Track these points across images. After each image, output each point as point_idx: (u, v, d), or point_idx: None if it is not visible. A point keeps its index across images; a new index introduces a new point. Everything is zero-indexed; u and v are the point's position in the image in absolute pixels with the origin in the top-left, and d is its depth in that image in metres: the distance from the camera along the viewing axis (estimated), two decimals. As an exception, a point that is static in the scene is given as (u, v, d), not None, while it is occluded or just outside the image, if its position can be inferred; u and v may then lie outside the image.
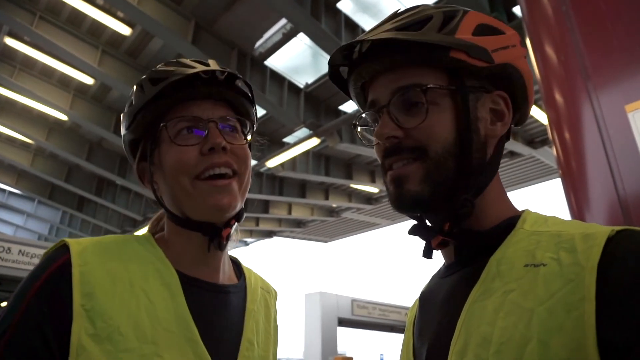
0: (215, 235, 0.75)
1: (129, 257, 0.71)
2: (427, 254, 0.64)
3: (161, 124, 0.74)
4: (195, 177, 0.72)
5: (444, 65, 0.62)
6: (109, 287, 0.65)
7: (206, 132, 0.73)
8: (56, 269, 0.63)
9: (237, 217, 0.78)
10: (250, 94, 0.82)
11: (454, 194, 0.60)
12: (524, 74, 0.65)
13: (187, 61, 0.79)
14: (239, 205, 0.76)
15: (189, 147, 0.72)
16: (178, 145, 0.73)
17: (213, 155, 0.72)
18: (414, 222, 0.67)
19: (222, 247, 0.76)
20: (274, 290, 0.95)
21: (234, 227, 0.78)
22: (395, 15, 0.66)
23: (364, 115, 0.69)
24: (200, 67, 0.75)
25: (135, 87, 0.78)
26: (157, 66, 0.79)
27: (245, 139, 0.80)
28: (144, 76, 0.77)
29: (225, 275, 0.81)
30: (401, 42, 0.61)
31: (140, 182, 0.82)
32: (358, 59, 0.66)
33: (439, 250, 0.65)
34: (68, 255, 0.65)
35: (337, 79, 0.72)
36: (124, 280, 0.67)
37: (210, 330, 0.71)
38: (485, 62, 0.61)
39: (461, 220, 0.61)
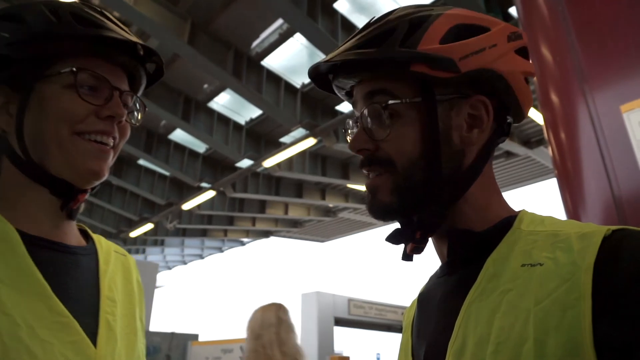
0: (69, 197, 0.70)
1: None
2: (406, 257, 0.66)
3: (71, 68, 0.68)
4: (75, 132, 0.68)
5: (409, 77, 0.62)
6: None
7: (109, 98, 0.71)
8: None
9: (93, 187, 0.75)
10: (158, 77, 0.82)
11: (423, 204, 0.62)
12: (506, 74, 0.62)
13: (111, 16, 0.75)
14: (106, 176, 0.73)
15: (86, 103, 0.69)
16: (80, 97, 0.68)
17: (107, 122, 0.70)
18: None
19: (72, 216, 0.73)
20: (131, 257, 0.92)
21: (88, 194, 0.74)
22: (366, 26, 0.66)
23: (350, 122, 0.72)
24: (125, 34, 0.73)
25: (40, 5, 0.69)
26: (80, 5, 0.73)
27: (131, 117, 0.78)
28: (60, 3, 0.71)
29: (74, 239, 0.77)
30: (360, 61, 0.62)
31: None
32: (334, 72, 0.68)
33: (418, 254, 0.67)
34: None
35: (324, 84, 0.73)
36: None
37: (65, 288, 0.67)
38: (451, 72, 0.59)
39: (431, 230, 0.63)
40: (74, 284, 0.69)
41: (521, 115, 0.68)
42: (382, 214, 0.64)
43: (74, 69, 0.68)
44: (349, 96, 0.72)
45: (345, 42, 0.66)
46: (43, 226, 0.70)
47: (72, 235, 0.76)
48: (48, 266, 0.66)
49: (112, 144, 0.73)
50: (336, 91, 0.72)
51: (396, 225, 0.67)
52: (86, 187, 0.72)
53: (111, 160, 0.74)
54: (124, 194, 14.06)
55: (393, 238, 0.66)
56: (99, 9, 0.74)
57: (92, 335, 0.66)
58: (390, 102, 0.61)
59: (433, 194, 0.61)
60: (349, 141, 0.71)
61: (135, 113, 0.78)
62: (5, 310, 0.58)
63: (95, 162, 0.69)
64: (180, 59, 8.09)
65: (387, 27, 0.62)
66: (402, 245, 0.66)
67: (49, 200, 0.70)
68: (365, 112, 0.63)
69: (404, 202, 0.62)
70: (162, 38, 7.39)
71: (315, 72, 0.69)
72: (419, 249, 0.64)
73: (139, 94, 0.81)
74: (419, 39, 0.60)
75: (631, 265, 0.45)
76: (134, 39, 0.74)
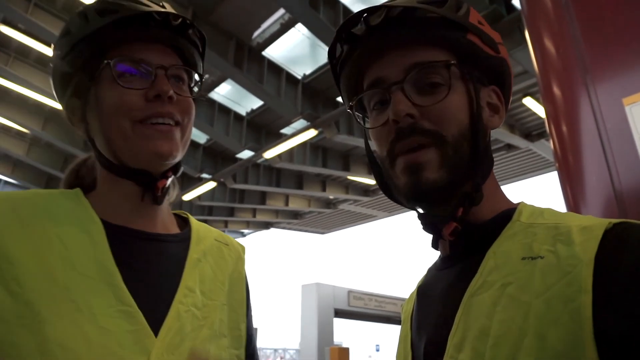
0: (149, 186, 0.72)
1: (45, 206, 0.68)
2: (436, 244, 0.65)
3: (105, 62, 0.69)
4: (136, 121, 0.69)
5: (456, 48, 0.61)
6: (17, 231, 0.63)
7: (153, 77, 0.70)
8: None
9: (175, 169, 0.75)
10: (201, 46, 0.79)
11: (467, 180, 0.60)
12: (510, 71, 0.68)
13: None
14: (179, 155, 0.73)
15: (133, 90, 0.68)
16: (122, 86, 0.68)
17: (157, 103, 0.69)
18: (412, 214, 0.66)
19: (157, 200, 0.73)
20: (239, 244, 0.90)
21: (170, 179, 0.75)
22: None
23: (362, 95, 0.66)
24: (154, 7, 0.71)
25: (76, 14, 0.71)
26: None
27: (191, 91, 0.77)
28: (90, 4, 0.71)
29: (164, 227, 0.78)
30: (421, 15, 0.60)
31: (68, 120, 0.77)
32: (366, 34, 0.62)
33: (454, 238, 0.62)
34: None
35: (332, 59, 0.69)
36: (34, 226, 0.64)
37: (141, 276, 0.68)
38: (494, 51, 0.63)
39: (473, 205, 0.60)
40: (153, 271, 0.70)
41: (506, 110, 0.70)
42: (429, 193, 0.59)
43: (107, 62, 0.69)
44: (358, 71, 0.66)
45: None
46: (128, 216, 0.72)
47: (159, 222, 0.76)
48: (126, 254, 0.68)
49: (173, 123, 0.71)
50: (350, 63, 0.66)
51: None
52: (160, 170, 0.72)
53: (180, 138, 0.72)
54: (124, 184, 14.06)
55: (430, 225, 0.63)
56: None
57: (158, 324, 0.65)
58: (453, 62, 0.60)
59: (476, 169, 0.60)
60: (359, 122, 0.68)
61: (186, 84, 0.76)
62: (71, 296, 0.60)
63: (157, 143, 0.68)
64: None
65: None
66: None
67: (134, 192, 0.72)
68: (416, 75, 0.60)
69: (452, 177, 0.58)
70: (162, 28, 7.35)
71: (352, 22, 0.63)
72: (458, 230, 0.60)
73: (201, 65, 0.79)
74: (468, 14, 0.62)
75: (632, 258, 0.45)
76: (155, 7, 0.71)
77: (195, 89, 0.78)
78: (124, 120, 0.68)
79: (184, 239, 0.78)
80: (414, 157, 0.59)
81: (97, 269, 0.64)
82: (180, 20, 0.73)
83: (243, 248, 0.91)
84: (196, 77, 0.79)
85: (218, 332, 0.73)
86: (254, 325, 0.89)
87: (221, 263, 0.81)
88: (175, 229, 0.80)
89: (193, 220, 0.85)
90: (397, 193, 0.63)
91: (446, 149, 0.58)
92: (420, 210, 0.64)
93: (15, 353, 0.55)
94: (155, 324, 0.65)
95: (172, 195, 0.82)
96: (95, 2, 0.71)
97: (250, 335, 0.83)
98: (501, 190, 0.66)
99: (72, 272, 0.62)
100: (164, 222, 0.78)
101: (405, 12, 0.60)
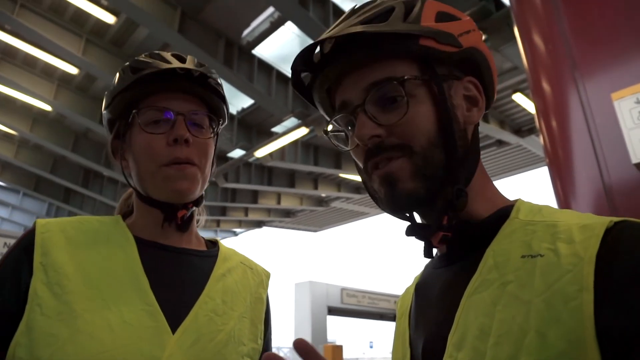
0: (170, 214, 0.82)
1: (88, 227, 0.81)
2: (428, 253, 0.62)
3: (134, 111, 0.81)
4: (161, 165, 0.79)
5: (413, 56, 0.61)
6: (64, 245, 0.75)
7: (173, 124, 0.80)
8: (25, 237, 0.76)
9: (196, 202, 0.85)
10: (220, 91, 0.89)
11: (446, 186, 0.59)
12: (487, 56, 0.65)
13: (167, 55, 0.85)
14: (198, 191, 0.83)
15: (155, 135, 0.80)
16: (146, 132, 0.80)
17: (176, 146, 0.79)
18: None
19: (179, 227, 0.84)
20: (264, 270, 0.98)
21: (192, 209, 0.86)
22: (354, 11, 0.64)
23: (334, 120, 0.67)
24: (176, 63, 0.82)
25: (120, 70, 0.85)
26: (142, 55, 0.86)
27: (214, 133, 0.87)
28: (128, 63, 0.85)
29: (192, 245, 0.88)
30: (368, 36, 0.60)
31: (112, 156, 0.90)
32: (322, 61, 0.64)
33: (443, 245, 0.63)
34: (34, 227, 0.77)
35: (300, 86, 0.70)
36: (79, 242, 0.77)
37: (167, 283, 0.77)
38: (455, 47, 0.61)
39: (458, 211, 0.59)
40: (179, 279, 0.80)
41: (493, 98, 0.69)
42: (408, 203, 0.59)
43: (135, 111, 0.81)
44: (327, 94, 0.68)
45: (341, 22, 0.63)
46: (157, 235, 0.83)
47: (185, 242, 0.86)
48: (156, 263, 0.79)
49: (192, 163, 0.81)
50: (315, 89, 0.67)
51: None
52: (181, 203, 0.82)
53: (199, 176, 0.82)
54: (115, 185, 13.96)
55: (416, 232, 0.62)
56: (156, 53, 0.85)
57: (177, 324, 0.73)
58: (407, 77, 0.59)
59: (454, 174, 0.59)
60: (335, 144, 0.69)
61: (207, 127, 0.86)
62: (103, 296, 0.71)
63: (178, 183, 0.79)
64: (170, 48, 8.00)
65: (384, 6, 0.62)
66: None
67: (160, 218, 0.83)
68: (374, 95, 0.60)
69: (429, 186, 0.58)
70: (152, 27, 7.29)
71: (302, 58, 0.64)
72: (446, 237, 0.60)
73: (223, 107, 0.89)
74: (419, 17, 0.61)
75: (634, 257, 0.45)
76: (177, 64, 0.82)
77: (218, 130, 0.90)
78: (150, 163, 0.80)
79: (210, 255, 0.88)
80: (386, 170, 0.60)
81: (127, 274, 0.75)
82: (199, 73, 0.83)
83: (267, 274, 0.99)
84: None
85: (237, 340, 0.81)
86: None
87: (244, 282, 0.90)
88: (203, 248, 0.90)
89: (222, 244, 0.96)
90: (381, 205, 0.63)
91: (416, 159, 0.59)
92: (408, 223, 0.64)
93: (52, 341, 0.66)
94: (175, 324, 0.73)
95: (201, 220, 0.94)
96: (132, 60, 0.84)
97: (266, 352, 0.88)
98: (494, 187, 0.66)
99: (105, 277, 0.73)
100: (192, 241, 0.88)
101: (353, 37, 0.60)
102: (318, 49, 0.64)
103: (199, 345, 0.73)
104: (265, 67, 8.86)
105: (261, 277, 0.95)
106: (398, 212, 0.62)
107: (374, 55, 0.61)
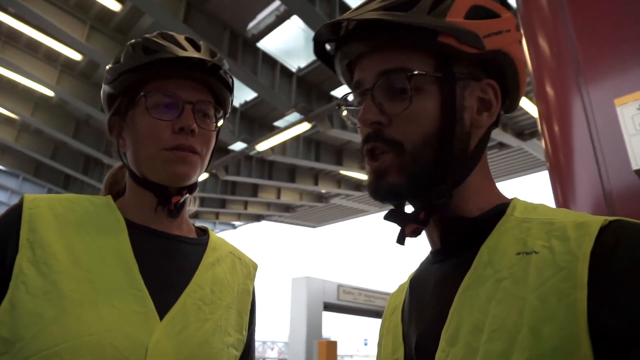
0: (165, 199, 0.81)
1: (78, 207, 0.79)
2: (400, 240, 0.63)
3: (142, 93, 0.79)
4: (162, 149, 0.78)
5: (431, 51, 0.60)
6: (53, 223, 0.73)
7: (180, 111, 0.79)
8: (11, 211, 0.74)
9: (190, 189, 0.84)
10: (230, 83, 0.89)
11: (433, 184, 0.60)
12: (516, 60, 0.63)
13: (182, 39, 0.83)
14: (194, 178, 0.83)
15: (161, 121, 0.78)
16: (153, 117, 0.78)
17: (181, 135, 0.78)
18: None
19: (171, 212, 0.82)
20: (252, 262, 0.98)
21: (185, 196, 0.84)
22: None
23: (349, 97, 0.67)
24: (190, 50, 0.81)
25: (128, 46, 0.83)
26: (154, 34, 0.85)
27: (216, 124, 0.87)
28: (139, 40, 0.83)
29: (182, 232, 0.87)
30: (387, 22, 0.58)
31: (108, 132, 0.88)
32: (344, 37, 0.64)
33: (415, 237, 0.64)
34: (21, 201, 0.75)
35: (323, 55, 0.69)
36: (68, 221, 0.75)
37: (156, 268, 0.77)
38: (476, 48, 0.59)
39: (437, 210, 0.60)
40: (168, 265, 0.79)
41: (516, 103, 0.68)
42: (387, 195, 0.61)
43: (143, 93, 0.79)
44: (348, 68, 0.68)
45: (365, 4, 0.62)
46: (149, 219, 0.82)
47: (176, 228, 0.85)
48: (144, 248, 0.78)
49: (194, 152, 0.80)
50: (337, 61, 0.67)
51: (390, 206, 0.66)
52: (176, 187, 0.81)
53: (198, 164, 0.81)
54: (115, 174, 13.95)
55: (393, 216, 0.63)
56: (169, 34, 0.84)
57: (166, 311, 0.73)
58: (416, 72, 0.58)
59: (442, 174, 0.59)
60: (345, 116, 0.69)
61: (212, 117, 0.85)
62: (91, 278, 0.70)
63: (177, 167, 0.78)
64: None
65: None
66: (395, 228, 0.64)
67: (153, 202, 0.81)
68: (383, 83, 0.60)
69: (413, 182, 0.59)
70: (157, 16, 7.27)
71: (327, 30, 0.64)
72: (419, 230, 0.62)
73: (229, 99, 0.89)
74: (446, 11, 0.59)
75: (628, 255, 0.46)
76: (191, 51, 0.81)
77: (220, 122, 0.89)
78: (152, 147, 0.78)
79: (200, 243, 0.88)
80: (376, 166, 0.61)
81: (116, 258, 0.74)
82: (212, 63, 0.82)
83: (255, 265, 0.98)
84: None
85: (223, 330, 0.80)
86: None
87: (233, 272, 0.89)
88: (193, 235, 0.89)
89: (212, 232, 0.95)
90: (368, 191, 0.64)
91: (404, 157, 0.59)
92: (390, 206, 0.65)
93: (37, 321, 0.64)
94: (163, 311, 0.72)
95: (191, 208, 0.93)
96: (143, 39, 0.82)
97: (249, 345, 0.89)
98: (494, 185, 0.66)
99: (94, 259, 0.72)
100: (183, 228, 0.87)
101: (365, 23, 0.60)
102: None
103: (186, 333, 0.73)
104: (270, 61, 8.84)
105: (249, 269, 0.95)
106: (379, 200, 0.63)
107: (390, 43, 0.60)
